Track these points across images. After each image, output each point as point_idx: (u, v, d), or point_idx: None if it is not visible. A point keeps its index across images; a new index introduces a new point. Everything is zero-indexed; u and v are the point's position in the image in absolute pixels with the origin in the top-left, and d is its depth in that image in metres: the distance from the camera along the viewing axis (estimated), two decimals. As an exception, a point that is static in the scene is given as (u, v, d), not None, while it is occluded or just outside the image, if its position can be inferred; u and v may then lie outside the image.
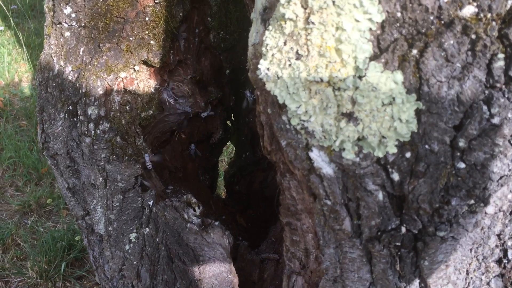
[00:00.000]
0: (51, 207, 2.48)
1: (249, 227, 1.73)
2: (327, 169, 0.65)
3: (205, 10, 1.29)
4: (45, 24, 1.20)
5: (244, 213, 1.75)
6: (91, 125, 1.09)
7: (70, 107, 1.11)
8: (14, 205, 2.44)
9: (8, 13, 3.96)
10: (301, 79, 0.62)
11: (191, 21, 1.28)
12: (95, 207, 1.15)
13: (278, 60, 0.63)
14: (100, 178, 1.10)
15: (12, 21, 3.95)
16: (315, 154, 0.65)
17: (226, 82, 1.47)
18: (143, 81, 1.18)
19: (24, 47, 3.76)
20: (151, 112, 1.19)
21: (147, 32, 1.12)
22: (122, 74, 1.12)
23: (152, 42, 1.13)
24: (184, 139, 1.51)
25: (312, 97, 0.61)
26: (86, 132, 1.09)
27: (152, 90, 1.19)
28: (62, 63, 1.12)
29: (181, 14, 1.17)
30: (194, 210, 1.03)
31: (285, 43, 0.62)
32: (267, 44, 0.64)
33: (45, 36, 1.20)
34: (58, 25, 1.14)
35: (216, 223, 1.03)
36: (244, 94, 1.38)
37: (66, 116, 1.12)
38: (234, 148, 1.82)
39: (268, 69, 0.64)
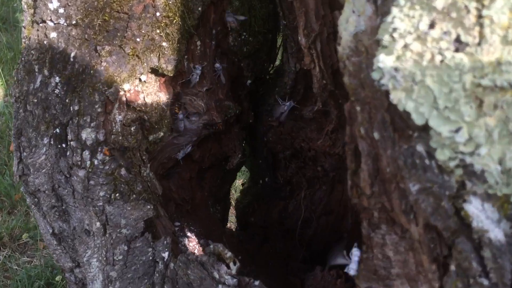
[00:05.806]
0: (26, 239, 2.28)
1: (267, 265, 1.48)
2: (495, 232, 0.40)
3: (224, 6, 1.04)
4: (23, 25, 0.97)
5: (260, 249, 1.50)
6: (86, 153, 0.84)
7: (57, 130, 0.86)
8: (-17, 238, 2.26)
9: (-22, 26, 3.73)
10: (464, 84, 0.37)
11: (207, 20, 1.04)
12: (89, 260, 0.88)
13: (417, 53, 0.39)
14: (98, 223, 0.84)
15: (-18, 35, 3.72)
16: (474, 208, 0.40)
17: (245, 95, 1.22)
18: (151, 94, 0.92)
19: (-5, 62, 3.51)
20: (162, 133, 0.94)
21: (158, 31, 0.87)
22: (126, 86, 0.87)
23: (164, 44, 0.88)
24: (194, 164, 1.25)
25: (485, 115, 0.37)
26: (79, 162, 0.84)
27: (163, 106, 0.93)
28: (46, 72, 0.87)
29: (200, 8, 0.92)
30: (228, 267, 0.77)
31: (432, 25, 0.38)
32: (394, 29, 0.40)
33: (23, 40, 0.96)
34: (41, 24, 0.89)
35: (256, 282, 0.77)
36: (277, 102, 1.13)
37: (52, 142, 0.87)
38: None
39: (396, 69, 0.40)
